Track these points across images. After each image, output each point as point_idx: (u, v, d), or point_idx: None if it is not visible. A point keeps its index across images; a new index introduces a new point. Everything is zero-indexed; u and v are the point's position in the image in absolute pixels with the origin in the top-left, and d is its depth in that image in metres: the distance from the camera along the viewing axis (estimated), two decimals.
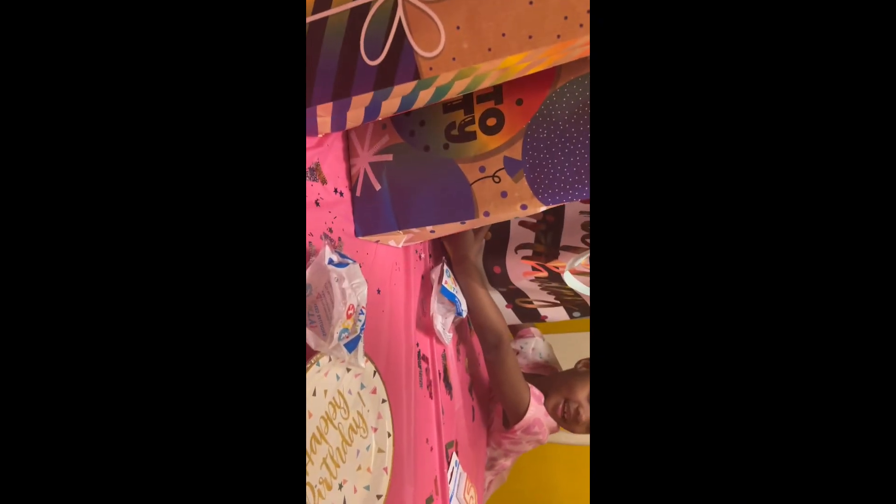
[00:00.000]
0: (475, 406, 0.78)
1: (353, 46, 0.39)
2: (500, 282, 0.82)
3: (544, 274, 0.79)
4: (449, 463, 0.64)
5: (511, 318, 0.88)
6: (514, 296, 0.84)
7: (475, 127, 0.53)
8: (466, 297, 0.72)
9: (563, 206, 0.76)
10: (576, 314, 0.86)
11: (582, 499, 1.13)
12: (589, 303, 0.83)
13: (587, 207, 0.75)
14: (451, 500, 0.62)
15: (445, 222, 0.55)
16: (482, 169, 0.53)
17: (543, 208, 0.52)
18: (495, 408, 0.80)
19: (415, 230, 0.57)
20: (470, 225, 0.57)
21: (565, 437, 0.98)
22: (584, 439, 0.82)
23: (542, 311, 0.87)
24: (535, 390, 0.74)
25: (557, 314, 0.87)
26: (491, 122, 0.52)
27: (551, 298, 0.84)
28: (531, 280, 0.81)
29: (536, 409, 0.73)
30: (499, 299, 0.84)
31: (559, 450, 1.14)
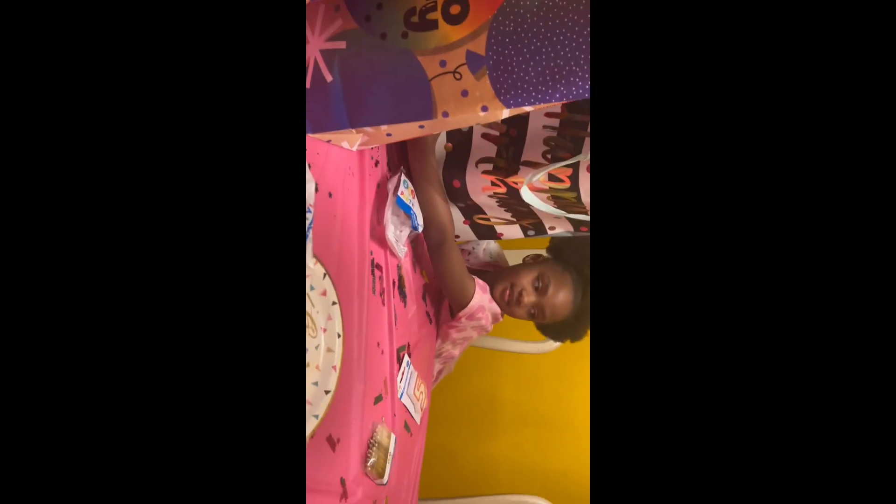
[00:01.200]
0: (429, 311, 0.81)
1: None
2: (460, 196, 0.81)
3: (503, 190, 0.79)
4: (400, 364, 0.66)
5: (468, 234, 0.88)
6: (471, 212, 0.84)
7: (437, 14, 0.48)
8: (418, 186, 0.70)
9: (526, 120, 0.74)
10: (530, 233, 0.87)
11: (524, 403, 1.23)
12: (544, 221, 0.84)
13: (551, 122, 0.73)
14: (401, 397, 0.65)
15: (401, 121, 0.52)
16: (443, 63, 0.49)
17: (505, 112, 0.50)
18: (444, 303, 0.83)
19: (369, 130, 0.54)
20: (429, 128, 0.54)
21: (510, 344, 1.04)
22: (530, 347, 0.87)
23: (499, 229, 0.87)
24: (479, 281, 0.77)
25: (513, 232, 0.87)
26: (455, 9, 0.48)
27: (508, 216, 0.84)
28: (489, 196, 0.80)
29: (481, 297, 0.77)
30: (457, 215, 0.84)
31: (505, 357, 1.21)
